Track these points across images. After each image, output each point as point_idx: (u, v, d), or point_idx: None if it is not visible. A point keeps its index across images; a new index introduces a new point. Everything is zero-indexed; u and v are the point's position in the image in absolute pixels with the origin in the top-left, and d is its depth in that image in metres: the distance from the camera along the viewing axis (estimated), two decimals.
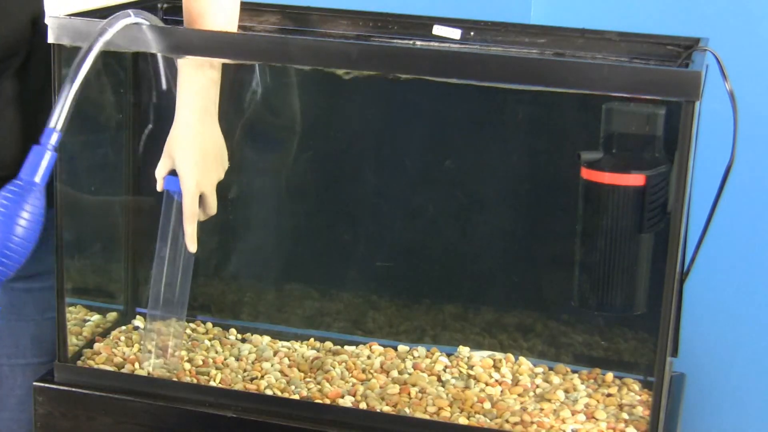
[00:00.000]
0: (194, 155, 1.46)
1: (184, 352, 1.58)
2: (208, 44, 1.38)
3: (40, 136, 1.28)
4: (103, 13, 1.41)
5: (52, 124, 1.28)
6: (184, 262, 1.52)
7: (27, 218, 1.25)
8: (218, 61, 1.46)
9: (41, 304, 1.55)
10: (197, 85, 1.46)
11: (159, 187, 1.48)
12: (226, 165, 1.50)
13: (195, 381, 1.51)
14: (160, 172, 1.48)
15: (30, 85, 1.45)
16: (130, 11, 1.36)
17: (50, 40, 1.39)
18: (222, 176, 1.50)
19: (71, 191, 1.51)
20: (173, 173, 1.47)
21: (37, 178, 1.27)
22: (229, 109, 1.67)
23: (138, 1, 1.61)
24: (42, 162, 1.27)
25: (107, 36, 1.33)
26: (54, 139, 1.27)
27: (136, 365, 1.53)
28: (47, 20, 1.39)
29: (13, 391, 1.56)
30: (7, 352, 1.55)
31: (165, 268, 1.51)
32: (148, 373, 1.51)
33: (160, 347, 1.54)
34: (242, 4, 1.61)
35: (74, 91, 1.29)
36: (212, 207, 1.50)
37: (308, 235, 1.76)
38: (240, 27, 1.61)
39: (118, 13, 1.35)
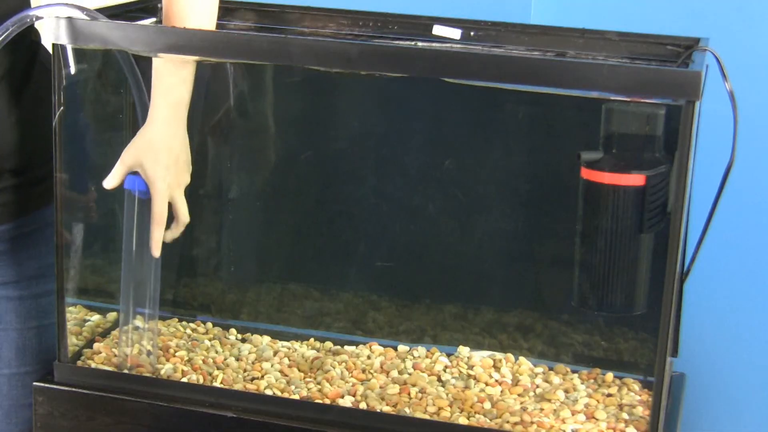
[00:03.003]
0: (166, 159, 1.45)
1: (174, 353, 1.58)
2: (208, 44, 1.38)
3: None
4: (104, 13, 1.41)
5: None
6: (150, 268, 1.51)
7: None
8: (191, 62, 1.45)
9: (23, 313, 1.53)
10: (170, 87, 1.44)
11: (114, 184, 1.46)
12: (190, 169, 1.49)
13: (201, 377, 1.51)
14: (118, 173, 1.46)
15: (15, 71, 1.45)
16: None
17: (50, 40, 1.39)
18: (188, 181, 1.49)
19: (70, 191, 1.51)
20: (134, 173, 1.46)
21: None
22: (230, 109, 1.67)
23: (138, 1, 1.61)
24: None
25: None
26: None
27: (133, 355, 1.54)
28: (48, 21, 1.39)
29: None
30: None
31: (132, 269, 1.50)
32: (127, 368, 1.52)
33: (126, 343, 1.54)
34: (243, 4, 1.62)
35: None
36: (184, 213, 1.49)
37: (308, 235, 1.76)
38: (239, 27, 1.62)
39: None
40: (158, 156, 1.44)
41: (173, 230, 1.49)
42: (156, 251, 1.47)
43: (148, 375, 1.52)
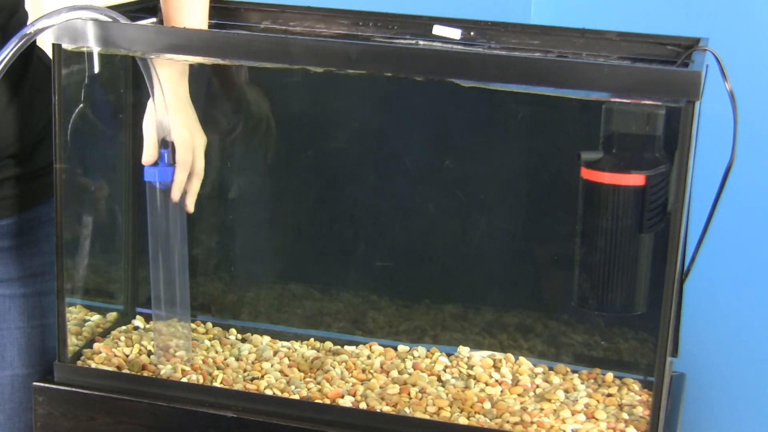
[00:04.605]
0: (186, 113, 1.50)
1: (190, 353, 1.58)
2: (209, 45, 1.38)
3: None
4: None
5: None
6: (179, 257, 1.52)
7: None
8: None
9: (27, 311, 1.52)
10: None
11: (153, 156, 1.49)
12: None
13: (201, 377, 1.51)
14: (150, 144, 1.49)
15: (13, 65, 1.45)
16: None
17: (51, 40, 1.39)
18: (205, 140, 1.53)
19: (70, 190, 1.51)
20: (153, 164, 1.49)
21: None
22: (231, 108, 1.67)
23: (138, 1, 1.61)
24: None
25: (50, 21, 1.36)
26: None
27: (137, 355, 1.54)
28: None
29: (1, 406, 1.53)
30: None
31: (160, 266, 1.51)
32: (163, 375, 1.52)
33: (161, 347, 1.55)
34: (242, 4, 1.62)
35: None
36: (201, 167, 1.52)
37: (308, 235, 1.76)
38: (239, 27, 1.62)
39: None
40: (179, 111, 1.49)
41: (192, 183, 1.51)
42: (177, 194, 1.50)
43: (148, 375, 1.52)
